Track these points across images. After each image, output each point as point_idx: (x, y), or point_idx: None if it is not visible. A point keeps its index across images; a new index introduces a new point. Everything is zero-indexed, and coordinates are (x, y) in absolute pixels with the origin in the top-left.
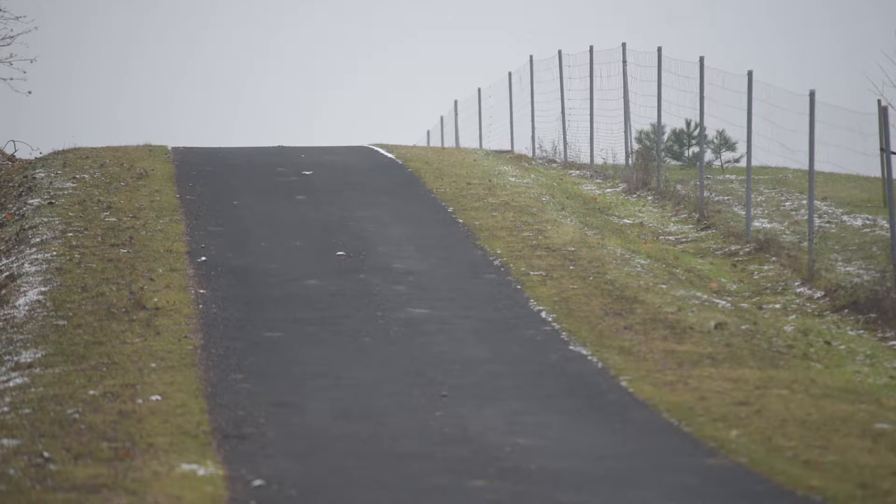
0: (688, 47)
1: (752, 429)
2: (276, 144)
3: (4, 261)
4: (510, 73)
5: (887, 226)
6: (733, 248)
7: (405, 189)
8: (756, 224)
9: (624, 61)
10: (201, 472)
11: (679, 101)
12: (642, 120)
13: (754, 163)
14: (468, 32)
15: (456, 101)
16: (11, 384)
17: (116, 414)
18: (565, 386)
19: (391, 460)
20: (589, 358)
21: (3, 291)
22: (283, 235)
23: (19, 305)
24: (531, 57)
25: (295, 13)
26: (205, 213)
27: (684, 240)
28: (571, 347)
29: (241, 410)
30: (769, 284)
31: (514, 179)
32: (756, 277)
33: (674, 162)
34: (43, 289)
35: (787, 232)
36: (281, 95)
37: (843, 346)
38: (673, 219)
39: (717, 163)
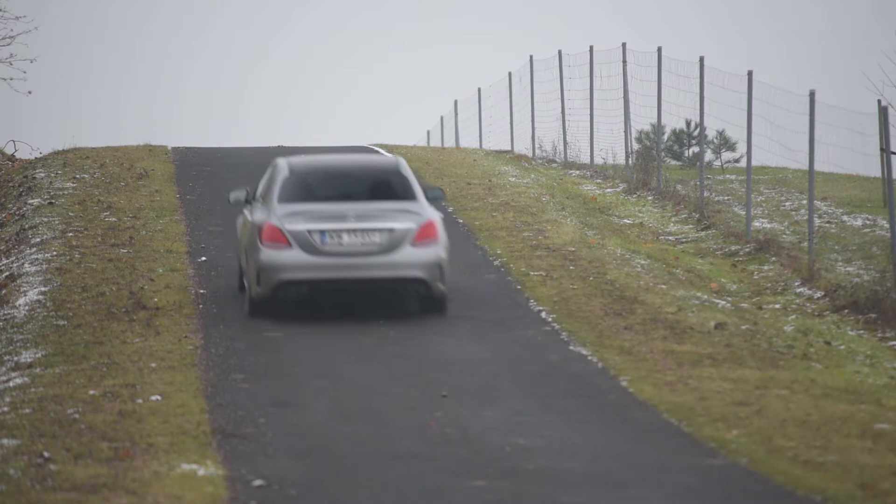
0: (688, 47)
1: (752, 429)
2: (276, 144)
3: (4, 261)
4: (510, 73)
5: (887, 226)
6: (733, 248)
7: None
8: (756, 224)
9: (624, 61)
10: (201, 472)
11: (679, 101)
12: (642, 120)
13: (754, 163)
14: (468, 32)
15: (456, 101)
16: (11, 384)
17: (116, 414)
18: (565, 386)
19: (391, 460)
20: (589, 358)
21: (3, 291)
22: None
23: (19, 305)
24: (531, 57)
25: (295, 13)
26: (205, 213)
27: (684, 240)
28: (571, 348)
29: (241, 410)
30: (769, 284)
31: (514, 179)
32: (756, 277)
33: (674, 162)
34: (43, 289)
35: (787, 232)
36: (281, 95)
37: (843, 347)
38: (673, 219)
39: (717, 163)
